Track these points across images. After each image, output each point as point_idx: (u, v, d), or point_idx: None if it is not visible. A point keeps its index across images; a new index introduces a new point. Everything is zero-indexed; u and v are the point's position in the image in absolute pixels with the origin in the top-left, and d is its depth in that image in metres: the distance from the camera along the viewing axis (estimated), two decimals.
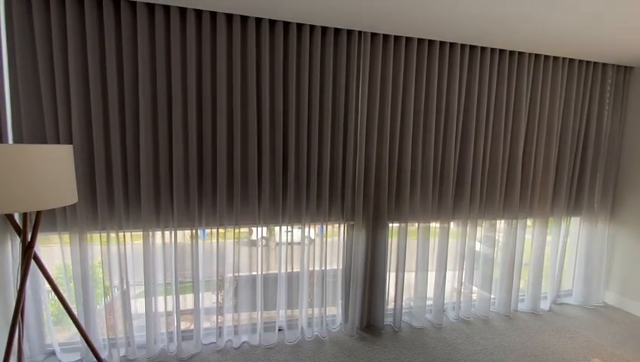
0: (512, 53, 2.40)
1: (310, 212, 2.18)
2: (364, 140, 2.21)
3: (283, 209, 2.16)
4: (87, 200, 1.85)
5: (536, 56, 2.46)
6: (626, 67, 2.72)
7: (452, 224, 2.50)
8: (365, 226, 2.31)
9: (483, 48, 2.33)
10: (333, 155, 2.20)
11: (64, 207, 1.82)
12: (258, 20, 1.94)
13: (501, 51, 2.37)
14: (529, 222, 2.71)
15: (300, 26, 2.01)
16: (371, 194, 2.27)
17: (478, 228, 2.60)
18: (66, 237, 1.85)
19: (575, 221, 2.94)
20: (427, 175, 2.36)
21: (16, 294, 1.73)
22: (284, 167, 2.13)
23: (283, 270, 2.20)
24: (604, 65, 2.68)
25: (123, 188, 1.89)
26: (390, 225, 2.38)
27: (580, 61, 2.59)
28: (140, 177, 1.90)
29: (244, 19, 1.92)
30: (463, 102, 2.36)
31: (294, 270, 2.24)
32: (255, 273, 2.17)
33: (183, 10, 1.83)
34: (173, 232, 1.98)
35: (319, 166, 2.18)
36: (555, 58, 2.50)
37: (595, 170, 2.83)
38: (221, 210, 2.02)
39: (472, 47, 2.31)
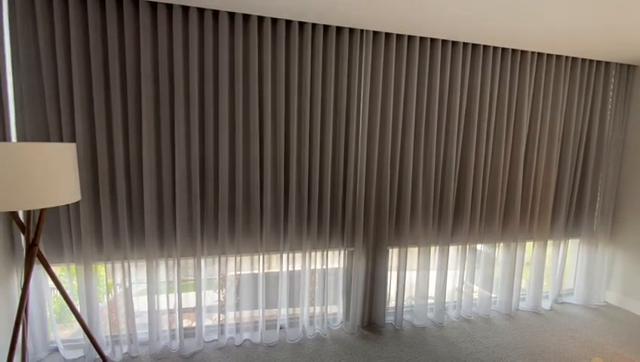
0: (514, 51, 2.39)
1: (311, 238, 2.20)
2: (365, 156, 2.22)
3: (284, 236, 2.18)
4: (92, 231, 1.87)
5: (539, 54, 2.45)
6: (629, 66, 2.71)
7: (451, 248, 2.51)
8: (365, 251, 2.33)
9: (485, 47, 2.32)
10: (333, 179, 2.21)
11: (70, 238, 1.85)
12: (260, 19, 1.94)
13: (503, 50, 2.36)
14: (528, 244, 2.71)
15: (302, 24, 2.00)
16: (371, 218, 2.28)
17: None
18: (72, 267, 1.89)
19: (576, 228, 2.90)
20: (428, 188, 2.36)
21: (20, 291, 1.75)
22: (285, 191, 2.14)
23: (284, 268, 2.20)
24: (607, 63, 2.66)
25: (128, 218, 1.93)
26: (390, 250, 2.40)
27: (583, 60, 2.57)
28: (143, 207, 1.92)
29: (246, 17, 1.92)
30: (464, 104, 2.34)
31: (296, 268, 2.24)
32: (256, 271, 2.18)
33: (185, 9, 1.83)
34: (176, 261, 2.01)
35: (320, 189, 2.19)
36: (558, 57, 2.49)
37: (597, 179, 2.80)
38: (223, 239, 2.05)
39: (474, 46, 2.30)
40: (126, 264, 1.93)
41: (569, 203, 2.76)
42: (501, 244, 2.65)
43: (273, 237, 2.16)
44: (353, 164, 2.21)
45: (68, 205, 1.82)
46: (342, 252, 2.35)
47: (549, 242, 2.77)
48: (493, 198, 2.52)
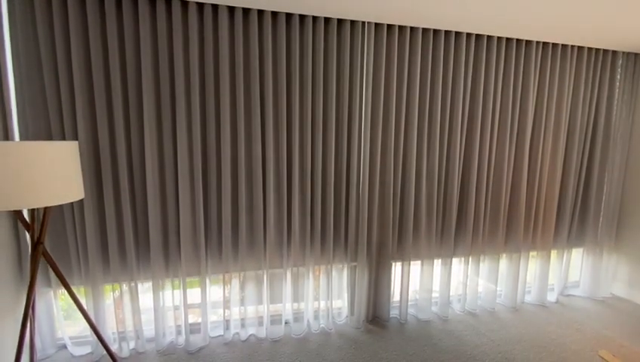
0: (519, 41, 2.34)
1: (314, 254, 2.21)
2: (367, 161, 2.20)
3: (288, 252, 2.18)
4: (99, 255, 1.90)
5: (544, 44, 2.40)
6: (636, 54, 2.66)
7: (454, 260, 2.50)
8: (368, 265, 2.33)
9: (489, 37, 2.28)
10: (336, 191, 2.21)
11: (79, 262, 1.89)
12: (260, 12, 1.91)
13: (508, 40, 2.32)
14: (531, 253, 2.69)
15: (302, 17, 1.98)
16: (374, 232, 2.28)
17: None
18: (82, 289, 1.92)
19: (580, 235, 2.85)
20: (431, 199, 2.34)
21: (26, 289, 1.76)
22: (288, 205, 2.14)
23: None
24: (614, 52, 2.61)
25: (134, 241, 1.95)
26: (393, 264, 2.40)
27: (589, 49, 2.52)
28: (148, 228, 1.94)
29: (246, 11, 1.90)
30: (468, 98, 2.30)
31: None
32: (260, 271, 2.18)
33: (184, 4, 1.81)
34: (182, 281, 2.03)
35: (323, 203, 2.18)
36: (564, 46, 2.44)
37: (602, 178, 2.75)
38: (227, 257, 2.06)
39: (477, 36, 2.26)
40: (133, 284, 1.97)
41: (573, 207, 2.73)
42: (504, 255, 2.64)
43: (276, 253, 2.17)
44: (356, 171, 2.20)
45: (73, 216, 1.84)
46: (345, 267, 2.35)
47: (553, 252, 2.75)
48: (496, 205, 2.49)
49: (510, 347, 2.14)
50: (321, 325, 2.33)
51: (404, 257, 2.38)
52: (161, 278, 2.00)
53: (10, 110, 1.68)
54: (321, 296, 2.31)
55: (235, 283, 2.14)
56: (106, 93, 1.79)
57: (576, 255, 2.95)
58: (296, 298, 2.29)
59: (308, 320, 2.32)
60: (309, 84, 2.02)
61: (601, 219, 2.83)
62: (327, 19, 2.01)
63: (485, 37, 2.26)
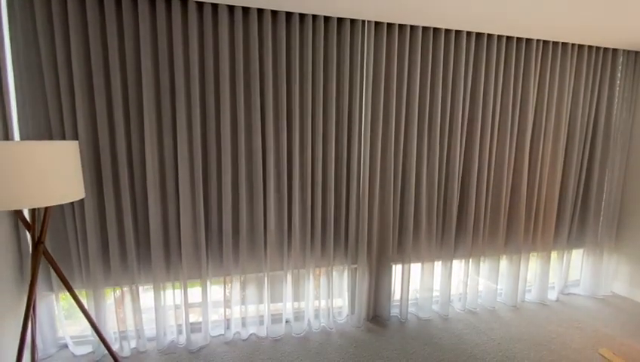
0: (519, 40, 2.34)
1: (315, 256, 2.21)
2: (367, 162, 2.20)
3: (288, 254, 2.19)
4: (100, 256, 1.90)
5: (544, 42, 2.40)
6: (637, 52, 2.65)
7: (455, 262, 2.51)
8: (369, 268, 2.33)
9: (489, 35, 2.27)
10: (336, 193, 2.21)
11: (80, 265, 1.90)
12: (260, 11, 1.91)
13: (508, 38, 2.32)
14: (532, 254, 2.69)
15: (302, 16, 1.97)
16: (374, 234, 2.29)
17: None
18: (83, 292, 1.92)
19: (580, 236, 2.85)
20: (431, 201, 2.34)
21: (27, 289, 1.76)
22: (288, 207, 2.14)
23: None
24: (615, 50, 2.61)
25: (135, 242, 1.94)
26: (394, 266, 2.40)
27: (590, 47, 2.52)
28: (149, 228, 1.94)
29: (246, 10, 1.90)
30: (468, 99, 2.30)
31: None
32: (261, 274, 2.18)
33: (184, 3, 1.81)
34: (183, 284, 2.03)
35: (323, 205, 2.19)
36: (564, 44, 2.44)
37: (603, 178, 2.75)
38: (227, 260, 2.07)
39: (477, 35, 2.26)
40: (134, 287, 1.97)
41: (573, 207, 2.73)
42: (504, 256, 2.64)
43: (277, 255, 2.17)
44: (356, 172, 2.20)
45: (74, 216, 1.84)
46: (346, 268, 2.35)
47: (553, 253, 2.75)
48: (496, 207, 2.48)
49: (511, 345, 2.15)
50: (322, 324, 2.33)
51: (405, 259, 2.38)
52: (162, 281, 2.00)
53: (10, 110, 1.68)
54: (322, 295, 2.31)
55: (236, 283, 2.15)
56: (106, 92, 1.79)
57: (577, 255, 2.95)
58: (296, 297, 2.29)
59: (308, 319, 2.32)
60: (309, 84, 2.02)
61: (601, 219, 2.82)
62: (326, 18, 2.01)
63: (485, 35, 2.25)
